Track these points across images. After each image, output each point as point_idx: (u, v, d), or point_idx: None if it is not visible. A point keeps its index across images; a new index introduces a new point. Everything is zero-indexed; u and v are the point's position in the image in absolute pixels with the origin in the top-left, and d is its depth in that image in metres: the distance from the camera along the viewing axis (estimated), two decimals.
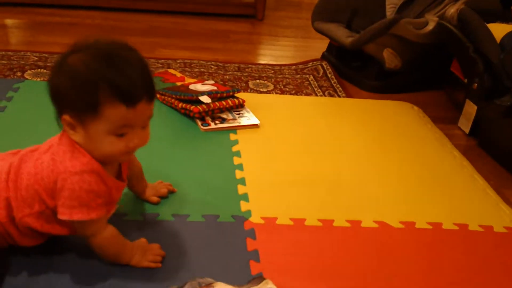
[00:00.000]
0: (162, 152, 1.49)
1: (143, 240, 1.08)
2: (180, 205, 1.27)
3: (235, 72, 2.13)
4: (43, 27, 2.49)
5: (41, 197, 0.95)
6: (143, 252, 1.05)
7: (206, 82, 1.81)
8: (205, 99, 1.65)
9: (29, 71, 1.93)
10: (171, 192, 1.30)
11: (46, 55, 2.09)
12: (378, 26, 1.94)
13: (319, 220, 1.27)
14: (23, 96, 1.71)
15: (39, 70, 1.96)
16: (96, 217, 0.95)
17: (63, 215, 0.94)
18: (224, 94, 1.72)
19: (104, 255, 1.02)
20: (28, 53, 2.09)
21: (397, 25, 1.95)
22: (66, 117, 0.91)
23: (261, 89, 2.01)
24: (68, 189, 0.92)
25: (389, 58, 2.04)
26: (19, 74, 1.90)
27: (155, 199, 1.25)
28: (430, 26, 1.98)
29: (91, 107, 0.88)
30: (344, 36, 2.07)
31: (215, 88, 1.75)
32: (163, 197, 1.27)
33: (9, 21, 2.57)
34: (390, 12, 2.21)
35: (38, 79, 1.88)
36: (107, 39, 0.93)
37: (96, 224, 0.97)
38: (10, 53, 2.08)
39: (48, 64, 2.01)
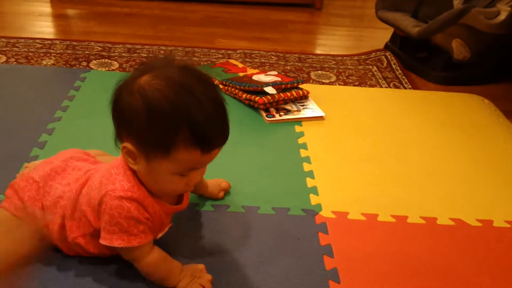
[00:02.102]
0: (228, 143, 1.47)
1: (195, 265, 1.00)
2: (250, 197, 1.25)
3: (295, 63, 2.10)
4: (103, 17, 2.52)
5: (88, 218, 0.93)
6: (192, 276, 0.97)
7: (269, 72, 1.79)
8: (270, 90, 1.63)
9: (94, 61, 1.96)
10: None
11: (109, 45, 2.11)
12: (448, 16, 1.86)
13: (392, 216, 1.23)
14: (90, 86, 1.73)
15: (103, 60, 1.98)
16: (138, 244, 0.90)
17: (104, 240, 0.90)
18: (289, 85, 1.70)
19: (149, 278, 0.97)
20: (92, 43, 2.12)
21: (467, 15, 1.87)
22: (128, 145, 0.85)
23: (324, 80, 1.97)
24: (108, 214, 0.88)
25: (458, 48, 1.96)
26: (84, 64, 1.93)
27: (222, 194, 1.23)
28: (502, 16, 1.89)
29: (163, 146, 0.82)
30: (411, 25, 2.00)
31: (279, 79, 1.72)
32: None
33: (70, 11, 2.62)
34: (457, 1, 2.12)
35: (103, 69, 1.90)
36: (178, 60, 0.87)
37: (139, 250, 0.92)
38: (75, 43, 2.11)
39: (112, 54, 2.03)
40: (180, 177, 0.88)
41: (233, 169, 1.36)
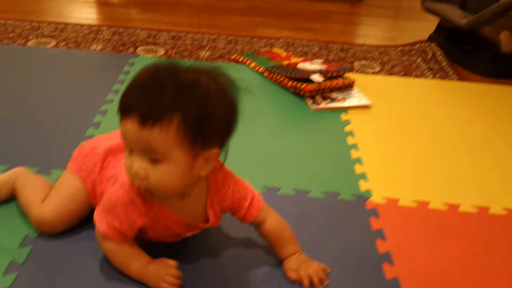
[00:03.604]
0: (275, 130, 1.49)
1: (165, 261, 0.93)
2: (300, 180, 1.26)
3: (338, 53, 2.10)
4: (147, 5, 2.56)
5: None
6: (158, 272, 0.91)
7: (315, 61, 1.79)
8: (316, 77, 1.63)
9: (140, 47, 1.99)
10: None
11: (154, 33, 2.14)
12: (499, 7, 1.83)
13: (444, 204, 1.22)
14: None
15: (149, 46, 2.01)
16: (103, 233, 0.90)
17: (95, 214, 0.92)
18: (334, 74, 1.70)
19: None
20: (137, 30, 2.16)
21: None
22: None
23: (368, 70, 1.96)
24: (107, 193, 0.92)
25: (507, 41, 1.92)
26: (131, 50, 1.97)
27: (293, 275, 0.96)
28: None
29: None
30: (459, 16, 1.97)
31: (325, 67, 1.72)
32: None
33: None
34: None
35: (150, 55, 1.93)
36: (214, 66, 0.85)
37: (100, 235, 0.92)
38: (121, 30, 2.15)
39: (157, 41, 2.06)
40: (128, 157, 0.82)
41: (282, 154, 1.37)
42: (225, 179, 0.93)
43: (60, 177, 1.07)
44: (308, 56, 2.04)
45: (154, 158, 0.79)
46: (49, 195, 1.03)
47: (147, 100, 0.77)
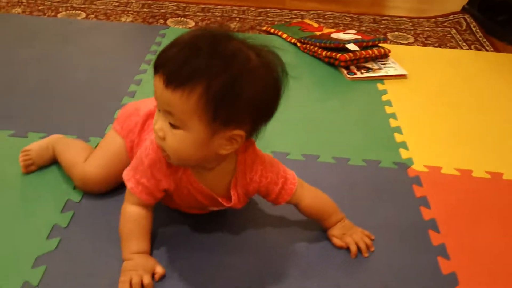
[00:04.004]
0: (311, 100, 1.47)
1: (151, 261, 0.88)
2: (340, 148, 1.25)
3: (371, 24, 2.06)
4: None
5: None
6: (139, 268, 0.86)
7: (348, 31, 1.76)
8: (352, 46, 1.60)
9: (170, 19, 1.98)
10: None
11: (184, 5, 2.12)
12: None
13: (486, 172, 1.20)
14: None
15: (179, 18, 1.99)
16: (131, 190, 0.87)
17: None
18: (370, 43, 1.66)
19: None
20: (167, 2, 2.14)
21: None
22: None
23: (402, 41, 1.92)
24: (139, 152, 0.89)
25: None
26: (161, 21, 1.96)
27: (339, 242, 0.96)
28: None
29: None
30: None
31: (359, 37, 1.69)
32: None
33: None
34: None
35: (180, 27, 1.92)
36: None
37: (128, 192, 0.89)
38: (150, 2, 2.13)
39: (187, 13, 2.04)
40: (157, 113, 0.80)
41: (320, 123, 1.36)
42: (254, 163, 0.88)
43: (104, 137, 1.08)
44: (340, 27, 2.00)
45: (172, 123, 0.76)
46: (92, 153, 1.05)
47: (176, 62, 0.73)
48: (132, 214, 0.88)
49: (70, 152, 1.07)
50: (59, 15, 1.95)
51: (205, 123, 0.74)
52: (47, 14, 1.96)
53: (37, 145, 1.10)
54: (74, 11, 1.99)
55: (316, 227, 0.99)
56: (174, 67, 0.73)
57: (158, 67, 0.75)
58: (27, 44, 1.66)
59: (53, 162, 1.11)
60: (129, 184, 0.87)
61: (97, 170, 1.01)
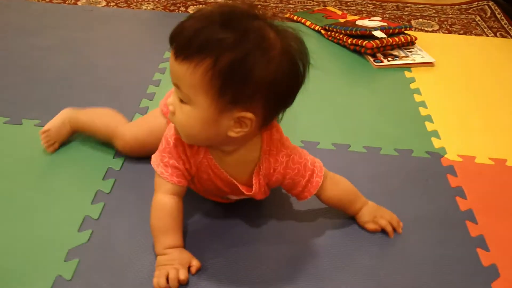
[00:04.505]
0: (338, 88, 1.45)
1: (189, 256, 0.86)
2: (370, 137, 1.23)
3: (394, 11, 2.02)
4: None
5: None
6: (176, 262, 0.84)
7: (373, 18, 1.73)
8: (379, 34, 1.57)
9: (191, 7, 1.96)
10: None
11: None
12: None
13: None
14: None
15: (200, 6, 1.97)
16: (161, 175, 0.84)
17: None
18: (396, 30, 1.63)
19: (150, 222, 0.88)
20: None
21: None
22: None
23: (426, 29, 1.89)
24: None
25: None
26: (183, 9, 1.93)
27: (372, 226, 0.95)
28: None
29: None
30: None
31: (385, 24, 1.66)
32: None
33: None
34: None
35: None
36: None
37: (159, 179, 0.86)
38: None
39: (208, 1, 2.02)
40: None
41: (348, 111, 1.33)
42: (279, 154, 0.85)
43: (147, 113, 1.14)
44: (363, 14, 1.97)
45: (181, 98, 0.75)
46: (133, 122, 1.11)
47: (187, 34, 0.71)
48: (165, 206, 0.85)
49: (104, 117, 1.10)
50: (79, 3, 1.94)
51: (211, 100, 0.72)
52: (67, 2, 1.94)
53: (53, 124, 1.10)
54: None
55: (345, 215, 0.98)
56: (185, 39, 0.71)
57: (171, 39, 0.74)
58: (47, 32, 1.64)
59: (70, 137, 1.13)
60: (159, 169, 0.84)
61: (138, 132, 1.05)
